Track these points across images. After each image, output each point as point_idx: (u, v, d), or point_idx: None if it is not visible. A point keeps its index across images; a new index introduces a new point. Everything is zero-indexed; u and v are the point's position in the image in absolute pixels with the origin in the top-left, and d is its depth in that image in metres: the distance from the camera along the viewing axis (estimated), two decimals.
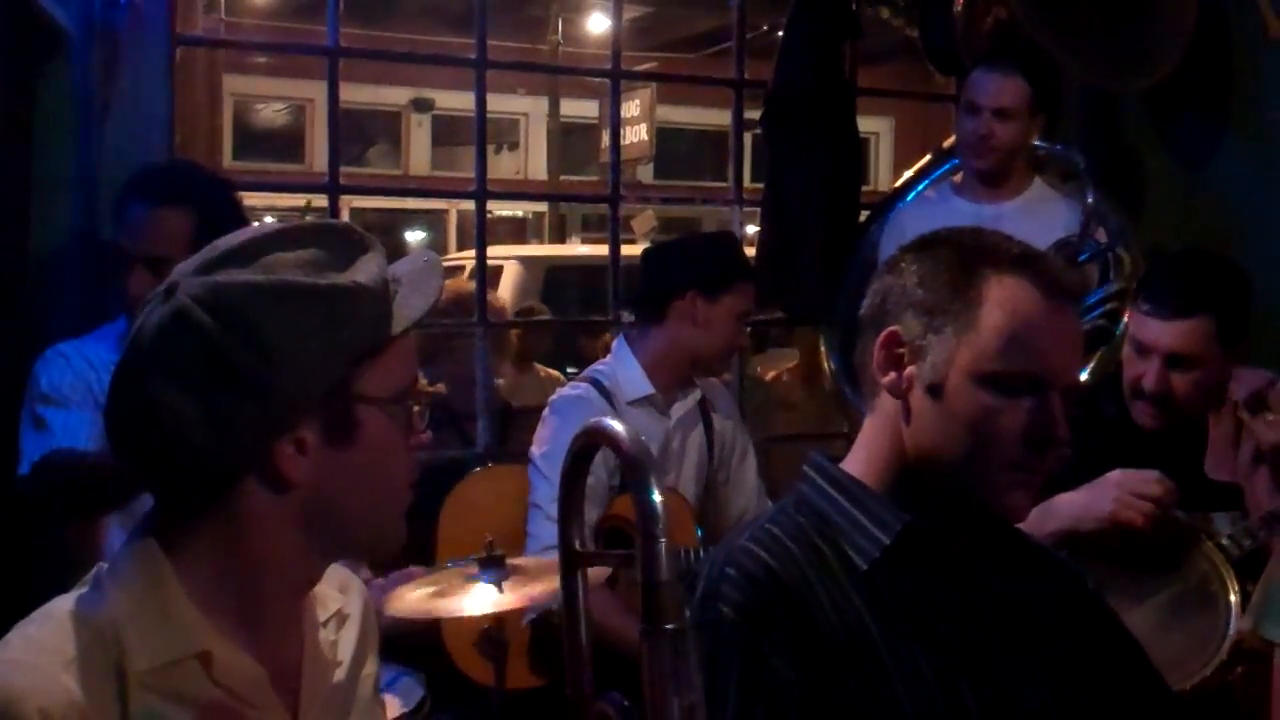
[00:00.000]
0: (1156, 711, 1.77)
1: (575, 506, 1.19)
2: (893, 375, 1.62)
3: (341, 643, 1.50)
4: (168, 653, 1.28)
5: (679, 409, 3.33)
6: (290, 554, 1.34)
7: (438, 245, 13.77)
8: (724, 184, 4.32)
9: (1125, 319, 3.09)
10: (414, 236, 13.67)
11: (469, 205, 3.93)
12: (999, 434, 1.56)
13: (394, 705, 2.47)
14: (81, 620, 1.29)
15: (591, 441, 1.14)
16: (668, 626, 1.03)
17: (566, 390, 3.39)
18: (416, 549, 3.26)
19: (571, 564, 1.17)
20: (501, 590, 2.40)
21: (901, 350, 1.61)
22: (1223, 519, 2.52)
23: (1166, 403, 2.61)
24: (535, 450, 3.23)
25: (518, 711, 2.79)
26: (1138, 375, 2.61)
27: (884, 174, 11.50)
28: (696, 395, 3.37)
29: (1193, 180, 3.80)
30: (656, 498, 1.04)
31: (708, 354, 3.29)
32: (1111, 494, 2.39)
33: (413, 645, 2.87)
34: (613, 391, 3.24)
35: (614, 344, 3.45)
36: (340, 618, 1.51)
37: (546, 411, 3.31)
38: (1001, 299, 1.57)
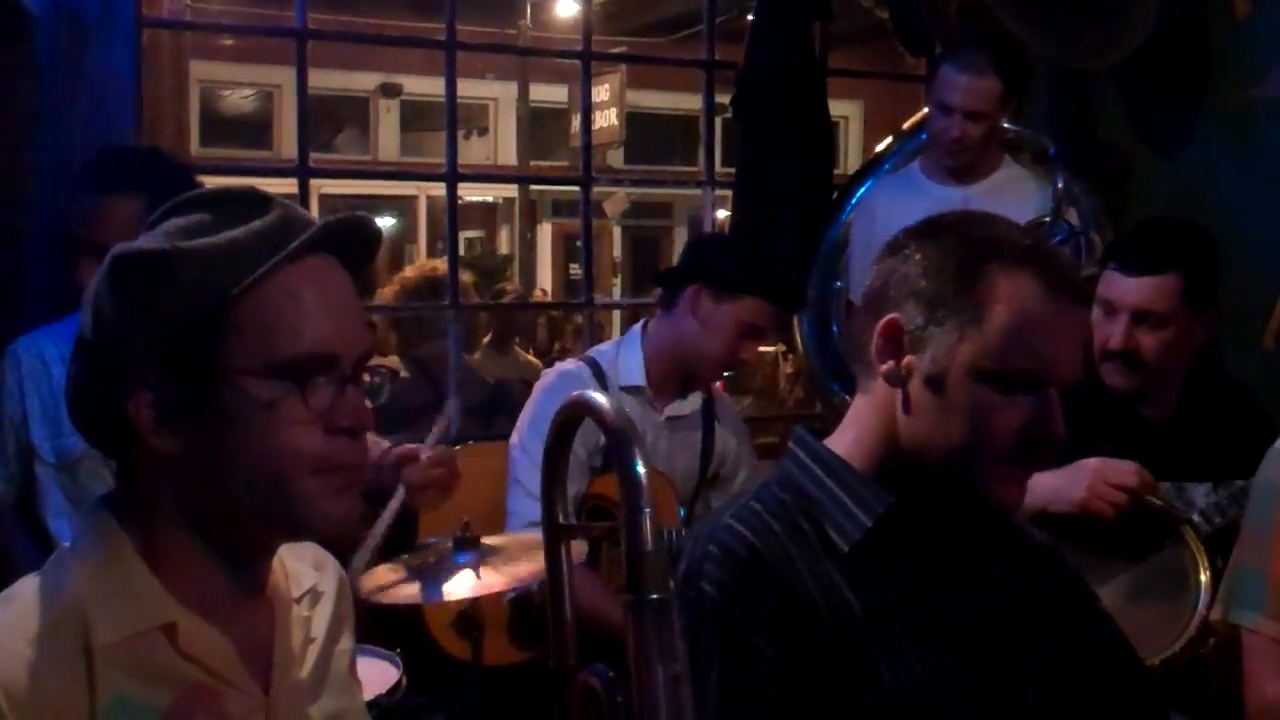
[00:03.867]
0: (1135, 693, 1.78)
1: (559, 479, 1.18)
2: (890, 363, 1.61)
3: (315, 619, 1.49)
4: (132, 625, 1.27)
5: (675, 409, 3.26)
6: (195, 526, 1.31)
7: (407, 231, 13.71)
8: (694, 169, 4.30)
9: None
10: (384, 222, 13.59)
11: (439, 190, 3.94)
12: (996, 430, 1.56)
13: (377, 678, 2.46)
14: (45, 598, 1.29)
15: (575, 414, 1.14)
16: (652, 596, 1.02)
17: (562, 366, 3.34)
18: (399, 526, 3.27)
19: (555, 537, 1.17)
20: (478, 573, 2.40)
21: (901, 339, 1.60)
22: (1199, 490, 2.54)
23: (1135, 362, 2.63)
24: (519, 424, 3.20)
25: (497, 688, 2.79)
26: (1106, 336, 2.64)
27: (854, 158, 11.49)
28: (697, 400, 3.29)
29: (1167, 160, 3.82)
30: (641, 469, 1.04)
31: (702, 355, 3.15)
32: (1086, 481, 2.41)
33: (392, 623, 2.87)
34: (609, 374, 3.19)
35: (630, 329, 3.38)
36: (314, 595, 1.50)
37: (536, 385, 3.28)
38: (1008, 297, 1.55)
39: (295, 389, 1.26)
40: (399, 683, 2.53)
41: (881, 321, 1.61)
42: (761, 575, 1.55)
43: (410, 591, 2.41)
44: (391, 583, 2.42)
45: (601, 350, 3.34)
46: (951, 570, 1.65)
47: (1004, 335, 1.54)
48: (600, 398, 1.09)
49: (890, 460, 1.63)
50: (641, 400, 3.20)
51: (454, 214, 3.84)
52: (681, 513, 3.26)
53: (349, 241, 1.36)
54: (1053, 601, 1.75)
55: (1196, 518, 2.50)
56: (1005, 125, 3.63)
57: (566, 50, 4.08)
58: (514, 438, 3.18)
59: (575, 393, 1.13)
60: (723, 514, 1.65)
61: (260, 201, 1.33)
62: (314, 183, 4.12)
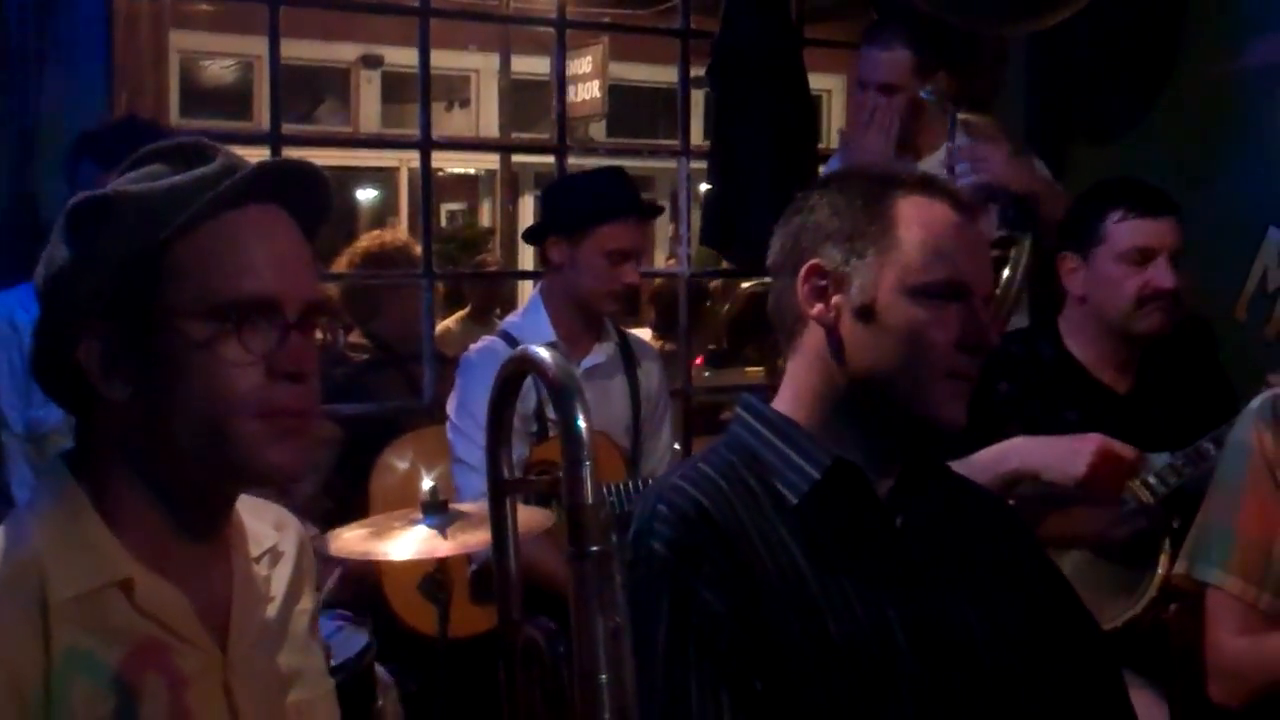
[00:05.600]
0: (1081, 642, 1.80)
1: (503, 436, 1.19)
2: (819, 306, 1.65)
3: (275, 578, 1.50)
4: (88, 581, 1.28)
5: (593, 358, 3.31)
6: (145, 477, 1.32)
7: (389, 202, 13.68)
8: (674, 141, 4.28)
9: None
10: (365, 194, 13.56)
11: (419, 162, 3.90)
12: (933, 343, 1.61)
13: (346, 642, 2.47)
14: (3, 554, 1.29)
15: (519, 369, 1.14)
16: (592, 549, 1.03)
17: (477, 344, 3.37)
18: (350, 504, 3.28)
19: (500, 492, 1.17)
20: (445, 535, 2.41)
21: (824, 282, 1.65)
22: (1160, 458, 2.56)
23: (1178, 300, 2.69)
24: (449, 408, 3.25)
25: (461, 658, 2.80)
26: (1145, 281, 2.67)
27: (836, 132, 11.48)
28: (611, 346, 3.35)
29: (1142, 134, 3.81)
30: (582, 423, 1.05)
31: (587, 295, 3.23)
32: (1088, 459, 2.41)
33: (354, 598, 2.88)
34: (521, 341, 3.18)
35: (532, 295, 3.45)
36: (274, 554, 1.51)
37: (458, 369, 3.32)
38: (917, 216, 1.64)
39: (232, 329, 1.27)
40: (368, 646, 2.54)
41: (803, 268, 1.66)
42: (710, 532, 1.57)
43: (374, 548, 2.41)
44: (355, 541, 2.42)
45: (511, 321, 3.43)
46: (894, 520, 1.68)
47: (922, 250, 1.62)
48: (543, 352, 1.10)
49: (832, 412, 1.67)
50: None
51: (428, 183, 3.85)
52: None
53: (296, 192, 1.36)
54: (1002, 555, 1.77)
55: (1152, 479, 2.53)
56: (966, 116, 3.50)
57: (542, 18, 4.04)
58: (448, 421, 3.23)
59: (520, 348, 1.13)
60: (672, 475, 1.69)
61: (208, 151, 1.34)
62: (293, 154, 4.10)
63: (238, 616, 1.40)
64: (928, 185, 1.68)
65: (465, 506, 2.55)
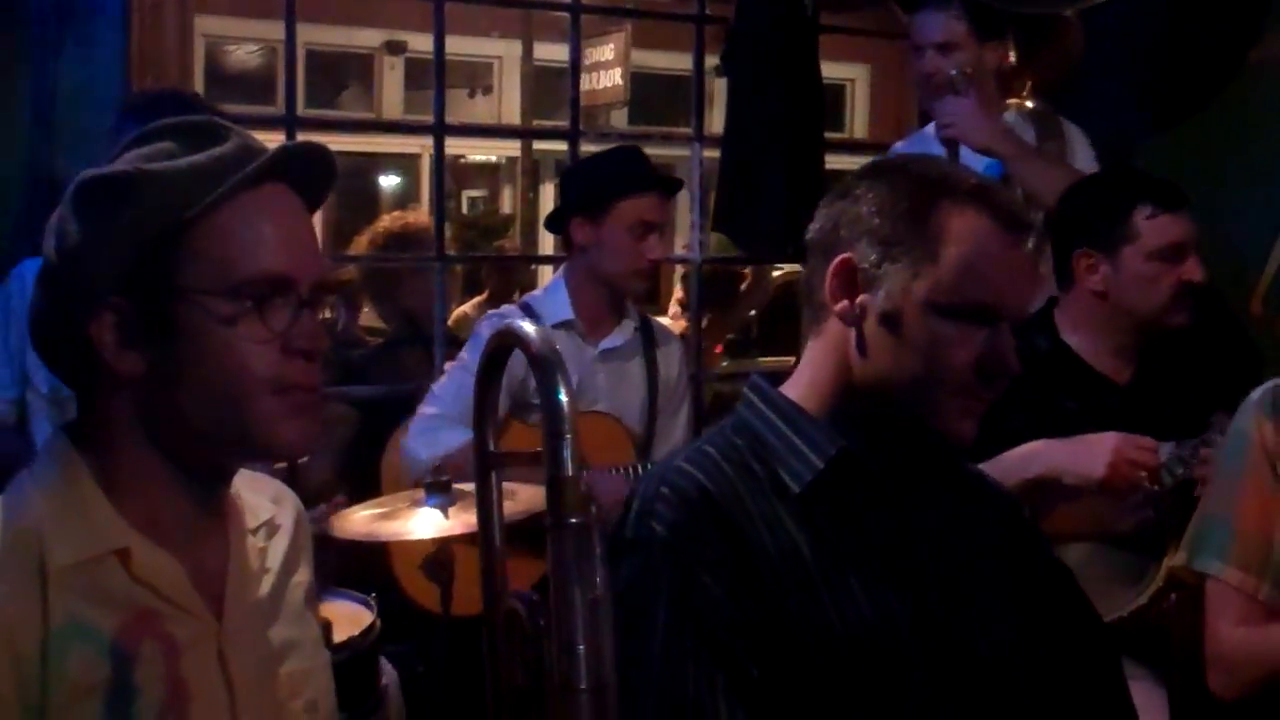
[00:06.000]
0: (1082, 636, 1.80)
1: (489, 409, 1.20)
2: (845, 303, 1.63)
3: (271, 551, 1.52)
4: (87, 549, 1.30)
5: (609, 341, 3.33)
6: (153, 451, 1.34)
7: (410, 189, 13.68)
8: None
9: None
10: (387, 180, 13.58)
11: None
12: (952, 364, 1.58)
13: (352, 619, 2.49)
14: (3, 521, 1.31)
15: (504, 343, 1.15)
16: (571, 520, 1.04)
17: (498, 309, 3.43)
18: (363, 482, 3.30)
19: (484, 465, 1.18)
20: (447, 515, 2.42)
21: (855, 278, 1.62)
22: (1164, 448, 2.55)
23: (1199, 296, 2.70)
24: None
25: (467, 636, 2.81)
26: (1179, 277, 2.67)
27: (860, 121, 11.42)
28: (631, 327, 3.36)
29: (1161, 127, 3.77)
30: (563, 396, 1.06)
31: (610, 273, 3.25)
32: (1106, 459, 2.42)
33: (361, 573, 2.90)
34: (540, 315, 3.25)
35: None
36: (271, 527, 1.53)
37: (475, 327, 3.40)
38: (960, 231, 1.58)
39: (252, 307, 1.30)
40: (373, 624, 2.56)
41: (835, 261, 1.62)
42: (711, 516, 1.56)
43: (377, 530, 2.43)
44: (359, 522, 2.44)
45: (533, 295, 3.48)
46: (902, 513, 1.67)
47: (958, 270, 1.57)
48: (527, 326, 1.11)
49: (844, 403, 1.65)
50: (572, 334, 3.28)
51: (441, 168, 3.86)
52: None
53: (307, 171, 1.39)
54: (1005, 546, 1.76)
55: (1160, 470, 2.52)
56: (1031, 103, 3.48)
57: (557, 3, 4.04)
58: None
59: (503, 323, 1.15)
60: (676, 457, 1.68)
61: (220, 131, 1.36)
62: (312, 138, 4.12)
63: (233, 587, 1.42)
64: (979, 197, 1.60)
65: (469, 486, 2.56)
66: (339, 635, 2.39)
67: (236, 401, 1.31)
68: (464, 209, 13.17)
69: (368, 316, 4.86)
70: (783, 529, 1.59)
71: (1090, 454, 2.42)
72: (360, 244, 4.30)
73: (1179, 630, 2.34)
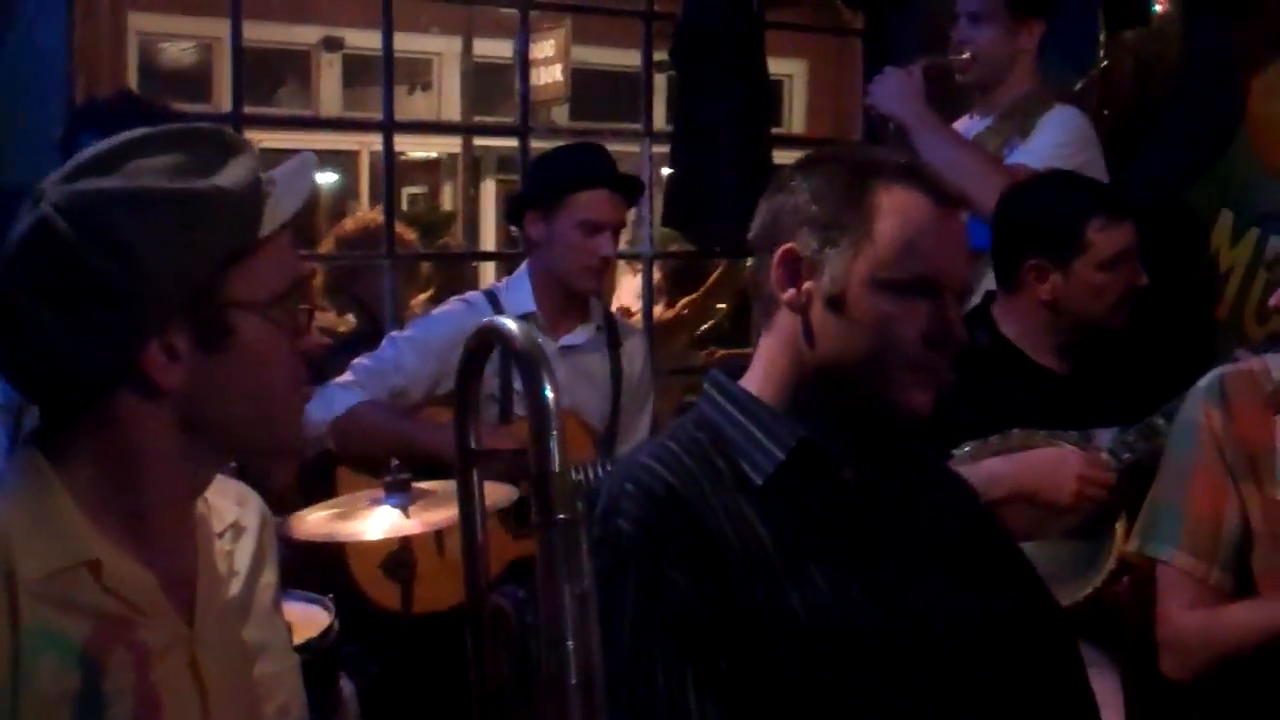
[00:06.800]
0: (1040, 620, 1.83)
1: (471, 404, 1.20)
2: (791, 291, 1.66)
3: (238, 553, 1.52)
4: (57, 561, 1.29)
5: (571, 338, 3.32)
6: (171, 460, 1.35)
7: (349, 186, 13.58)
8: (637, 125, 4.29)
9: None
10: (325, 178, 13.48)
11: (381, 145, 3.90)
12: (900, 338, 1.62)
13: (310, 621, 2.47)
14: None
15: (485, 340, 1.16)
16: (560, 517, 1.05)
17: (462, 296, 3.41)
18: (317, 484, 3.27)
19: (467, 462, 1.19)
20: (408, 514, 2.41)
21: (798, 267, 1.65)
22: (1105, 435, 2.60)
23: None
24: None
25: (426, 636, 2.81)
26: (1127, 283, 2.74)
27: (797, 118, 11.48)
28: (592, 327, 3.36)
29: None
30: (549, 393, 1.06)
31: (564, 269, 3.24)
32: (1072, 486, 2.48)
33: (318, 573, 2.88)
34: (504, 305, 3.26)
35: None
36: (236, 529, 1.53)
37: (437, 308, 3.39)
38: (895, 209, 1.62)
39: (287, 315, 1.36)
40: (330, 626, 2.55)
41: (778, 252, 1.66)
42: (676, 511, 1.58)
43: (338, 530, 2.42)
44: (320, 522, 2.42)
45: (497, 285, 3.46)
46: (862, 501, 1.70)
47: (896, 244, 1.61)
48: (510, 323, 1.11)
49: (800, 392, 1.68)
50: (534, 328, 3.24)
51: (391, 165, 3.84)
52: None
53: None
54: (963, 532, 1.79)
55: (1104, 455, 2.56)
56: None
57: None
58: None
59: (487, 319, 1.15)
60: (639, 453, 1.70)
61: (230, 142, 1.37)
62: (252, 136, 4.09)
63: (203, 591, 1.42)
64: (908, 175, 1.66)
65: (429, 485, 2.55)
66: (297, 638, 2.37)
67: (277, 403, 1.39)
68: (404, 206, 13.09)
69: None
70: (745, 522, 1.62)
71: (1055, 479, 2.47)
72: (327, 245, 4.29)
73: (1131, 615, 2.38)
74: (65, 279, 1.27)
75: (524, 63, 4.10)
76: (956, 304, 1.66)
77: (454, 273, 5.85)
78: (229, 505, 1.54)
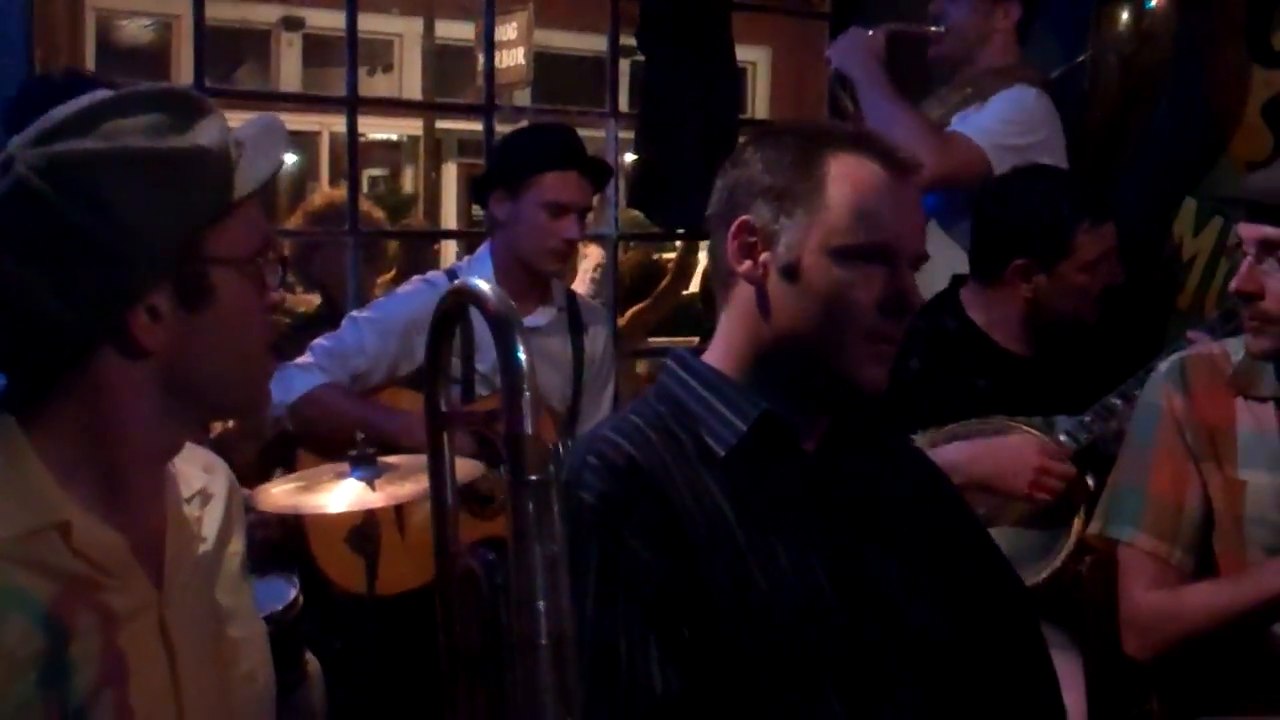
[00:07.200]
0: (1002, 598, 1.85)
1: (441, 367, 1.20)
2: (748, 263, 1.67)
3: (206, 519, 1.52)
4: (26, 522, 1.28)
5: (534, 319, 3.28)
6: (149, 421, 1.35)
7: (310, 167, 13.49)
8: (603, 109, 4.27)
9: None
10: (286, 158, 13.44)
11: (341, 126, 3.87)
12: (855, 305, 1.62)
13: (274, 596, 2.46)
14: None
15: (457, 302, 1.15)
16: (532, 478, 1.04)
17: (424, 276, 3.38)
18: (277, 465, 3.26)
19: (437, 425, 1.18)
20: (373, 488, 2.40)
21: (754, 238, 1.66)
22: (1067, 422, 2.62)
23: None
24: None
25: (388, 615, 2.80)
26: (1105, 282, 2.77)
27: (761, 104, 11.51)
28: (554, 310, 3.33)
29: None
30: (522, 355, 1.06)
31: (527, 250, 3.20)
32: (1029, 476, 2.49)
33: (277, 553, 2.86)
34: None
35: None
36: (204, 496, 1.53)
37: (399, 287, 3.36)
38: (846, 175, 1.63)
39: (258, 272, 1.37)
40: (295, 600, 2.53)
41: (733, 225, 1.66)
42: (638, 483, 1.59)
43: (303, 502, 2.40)
44: (283, 495, 2.41)
45: (459, 264, 3.47)
46: (825, 475, 1.71)
47: (849, 211, 1.62)
48: (484, 284, 1.10)
49: (759, 365, 1.69)
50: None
51: (354, 142, 3.81)
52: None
53: None
54: (925, 508, 1.80)
55: (1063, 438, 2.58)
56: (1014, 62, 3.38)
57: None
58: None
59: (460, 280, 1.14)
60: (602, 427, 1.71)
61: (199, 103, 1.37)
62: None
63: (172, 554, 1.42)
64: (860, 143, 1.67)
65: (395, 459, 2.54)
66: (264, 610, 2.36)
67: (254, 364, 1.41)
68: (365, 188, 13.03)
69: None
70: (708, 494, 1.63)
71: (1013, 468, 2.49)
72: (295, 220, 4.26)
73: (1093, 596, 2.41)
74: (50, 241, 1.27)
75: (490, 42, 4.07)
76: (910, 269, 1.66)
77: (418, 255, 5.82)
78: (196, 472, 1.54)
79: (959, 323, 2.83)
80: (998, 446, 2.52)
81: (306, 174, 13.37)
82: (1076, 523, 2.55)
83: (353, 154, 3.85)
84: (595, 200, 3.47)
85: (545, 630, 1.04)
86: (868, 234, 1.62)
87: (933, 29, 3.32)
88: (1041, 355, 2.84)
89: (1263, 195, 2.05)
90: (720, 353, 1.73)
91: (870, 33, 3.28)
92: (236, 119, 1.46)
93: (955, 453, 2.50)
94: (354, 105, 3.76)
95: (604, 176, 3.34)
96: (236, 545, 1.58)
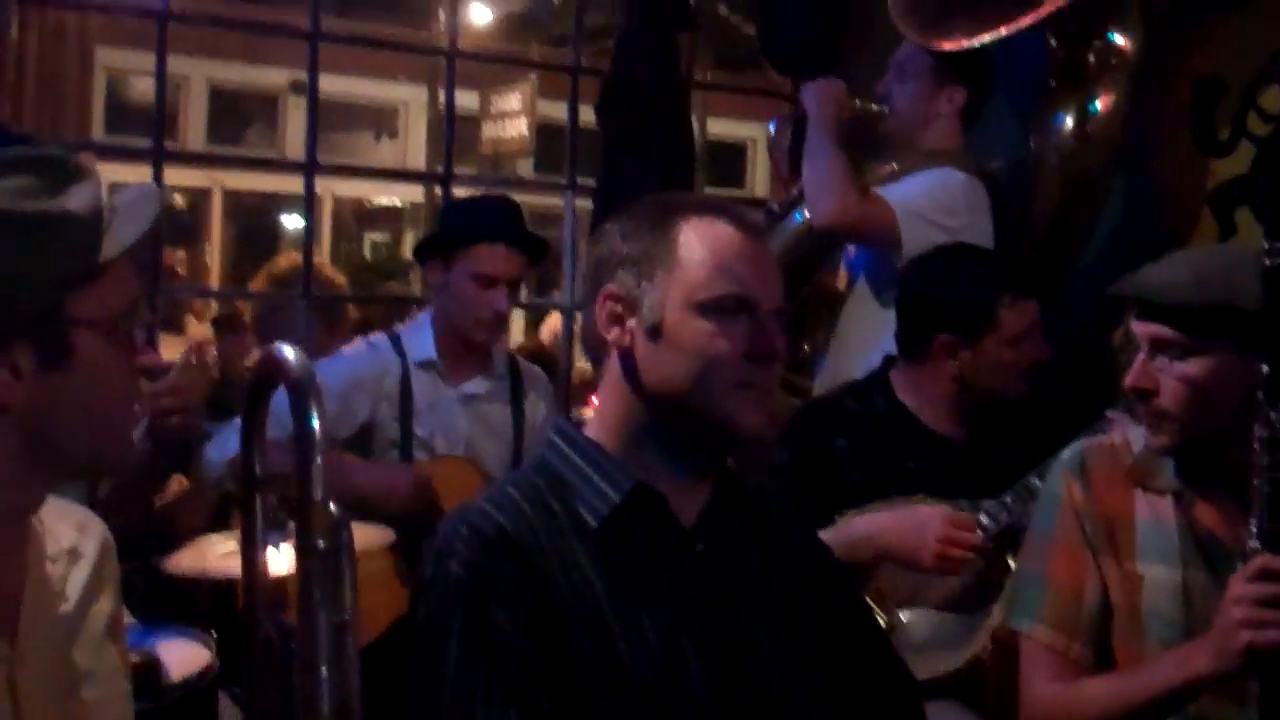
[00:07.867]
0: (879, 676, 1.84)
1: (257, 432, 1.21)
2: (616, 330, 1.69)
3: (71, 579, 1.51)
4: None
5: (474, 386, 3.29)
6: (6, 476, 1.35)
7: (314, 230, 13.65)
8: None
9: None
10: (290, 220, 13.52)
11: (345, 190, 3.94)
12: (721, 355, 1.64)
13: (189, 658, 2.43)
14: None
15: (265, 370, 1.16)
16: (319, 545, 1.06)
17: (366, 338, 3.40)
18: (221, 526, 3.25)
19: (251, 489, 1.19)
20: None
21: (620, 306, 1.69)
22: (986, 502, 2.62)
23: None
24: None
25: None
26: (1031, 358, 2.76)
27: (760, 180, 11.59)
28: (493, 378, 3.33)
29: None
30: (315, 423, 1.07)
31: (459, 319, 3.20)
32: (934, 548, 2.47)
33: (212, 608, 2.84)
34: (407, 349, 3.24)
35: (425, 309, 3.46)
36: (73, 555, 1.52)
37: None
38: (701, 235, 1.67)
39: (125, 334, 1.38)
40: (209, 665, 2.50)
41: (599, 295, 1.70)
42: (507, 554, 1.60)
43: (216, 565, 2.39)
44: (216, 558, 2.40)
45: (401, 328, 3.44)
46: (699, 550, 1.70)
47: (706, 268, 1.65)
48: (288, 351, 1.12)
49: (636, 434, 1.70)
50: (434, 374, 3.25)
51: (311, 202, 3.86)
52: None
53: None
54: (807, 588, 1.80)
55: (984, 518, 2.57)
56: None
57: (431, 48, 4.08)
58: None
59: (266, 347, 1.16)
60: (479, 499, 1.71)
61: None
62: (217, 176, 4.13)
63: (28, 610, 1.41)
64: (710, 208, 1.72)
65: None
66: (177, 675, 2.33)
67: (116, 422, 1.41)
68: (366, 252, 13.12)
69: None
70: (577, 566, 1.63)
71: (917, 538, 2.47)
72: (259, 283, 4.30)
73: (995, 683, 2.39)
74: None
75: (450, 110, 4.21)
76: (774, 318, 1.68)
77: (386, 320, 5.86)
78: (67, 530, 1.53)
79: (889, 404, 2.83)
80: (904, 517, 2.52)
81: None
82: (996, 609, 2.54)
83: (309, 216, 3.90)
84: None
85: (328, 698, 1.04)
86: (726, 286, 1.65)
87: (875, 108, 3.36)
88: (973, 438, 2.83)
89: (1153, 292, 2.05)
90: (598, 424, 1.74)
91: (841, 85, 3.34)
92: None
93: (865, 524, 2.49)
94: (310, 169, 3.81)
95: (538, 250, 3.34)
96: (104, 605, 1.56)
